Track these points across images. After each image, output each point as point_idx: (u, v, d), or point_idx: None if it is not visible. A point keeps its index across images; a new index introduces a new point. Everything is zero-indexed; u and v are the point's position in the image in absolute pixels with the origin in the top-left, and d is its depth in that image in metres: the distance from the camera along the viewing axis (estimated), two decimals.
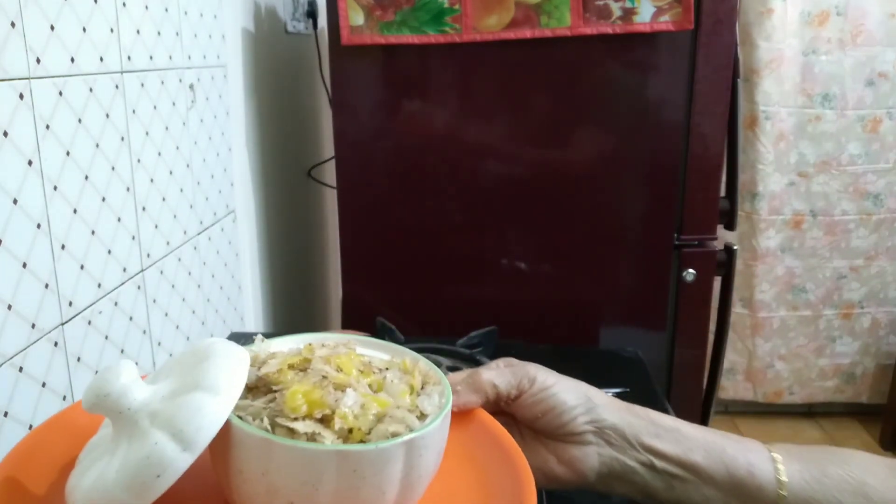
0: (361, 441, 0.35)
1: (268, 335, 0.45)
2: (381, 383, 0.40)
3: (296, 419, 0.35)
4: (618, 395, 0.53)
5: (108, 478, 0.33)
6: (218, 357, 0.37)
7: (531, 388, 0.49)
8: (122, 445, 0.34)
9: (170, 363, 0.40)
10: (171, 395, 0.35)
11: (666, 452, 0.48)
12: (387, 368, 0.42)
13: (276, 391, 0.38)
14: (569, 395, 0.49)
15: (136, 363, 0.38)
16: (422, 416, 0.38)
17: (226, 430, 0.35)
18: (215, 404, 0.34)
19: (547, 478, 0.49)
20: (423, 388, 0.41)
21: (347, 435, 0.36)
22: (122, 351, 0.69)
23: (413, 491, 0.37)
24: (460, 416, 0.47)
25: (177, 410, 0.34)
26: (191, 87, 0.85)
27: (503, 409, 0.51)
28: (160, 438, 0.33)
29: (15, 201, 0.53)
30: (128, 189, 0.70)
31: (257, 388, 0.39)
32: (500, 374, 0.49)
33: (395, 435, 0.35)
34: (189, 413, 0.34)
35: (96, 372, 0.65)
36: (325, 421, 0.36)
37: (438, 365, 0.75)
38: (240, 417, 0.36)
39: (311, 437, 0.35)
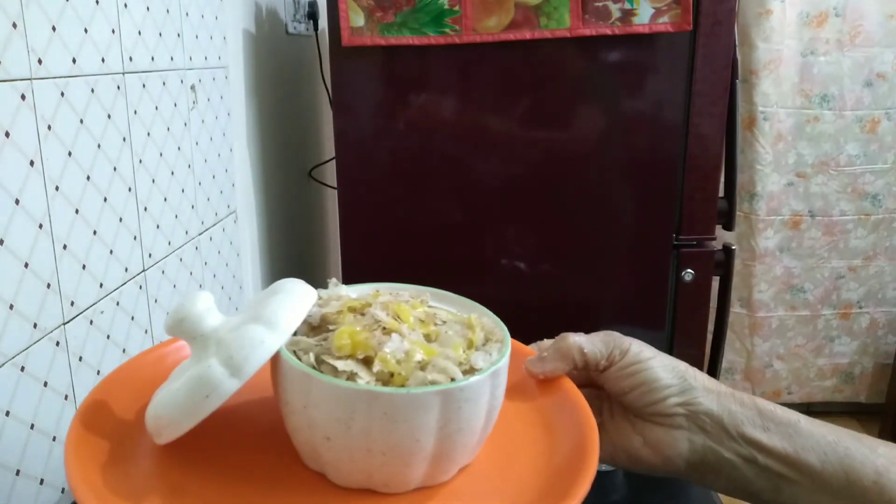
0: (401, 386, 0.35)
1: (335, 279, 0.46)
2: (438, 334, 0.40)
3: (339, 358, 0.36)
4: None
5: (171, 393, 0.36)
6: (284, 294, 0.39)
7: (622, 359, 0.45)
8: (192, 367, 0.37)
9: (254, 298, 0.42)
10: (237, 325, 0.37)
11: (772, 448, 0.42)
12: (450, 321, 0.42)
13: (331, 331, 0.38)
14: (663, 372, 0.45)
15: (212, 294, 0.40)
16: (471, 371, 0.37)
17: (278, 363, 0.37)
18: (268, 337, 0.36)
19: (631, 459, 0.46)
20: (484, 344, 0.41)
21: (388, 378, 0.36)
22: (123, 351, 0.70)
23: (454, 444, 0.37)
24: (546, 382, 0.46)
25: (234, 339, 0.36)
26: (192, 87, 0.85)
27: (593, 380, 0.48)
28: (213, 363, 0.35)
29: (17, 201, 0.53)
30: (129, 189, 0.70)
31: (319, 327, 0.40)
32: (591, 340, 0.46)
33: (433, 383, 0.35)
34: (242, 342, 0.36)
35: (98, 372, 0.65)
36: (367, 362, 0.36)
37: None
38: (294, 352, 0.37)
39: (350, 377, 0.35)
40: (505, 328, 0.42)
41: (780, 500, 0.43)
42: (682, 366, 0.46)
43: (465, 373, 0.37)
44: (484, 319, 0.43)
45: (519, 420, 0.44)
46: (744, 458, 0.43)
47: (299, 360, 0.37)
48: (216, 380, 0.35)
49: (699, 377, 0.46)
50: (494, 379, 0.37)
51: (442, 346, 0.38)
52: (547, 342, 0.49)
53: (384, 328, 0.38)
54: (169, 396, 0.36)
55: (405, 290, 0.45)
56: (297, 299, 0.39)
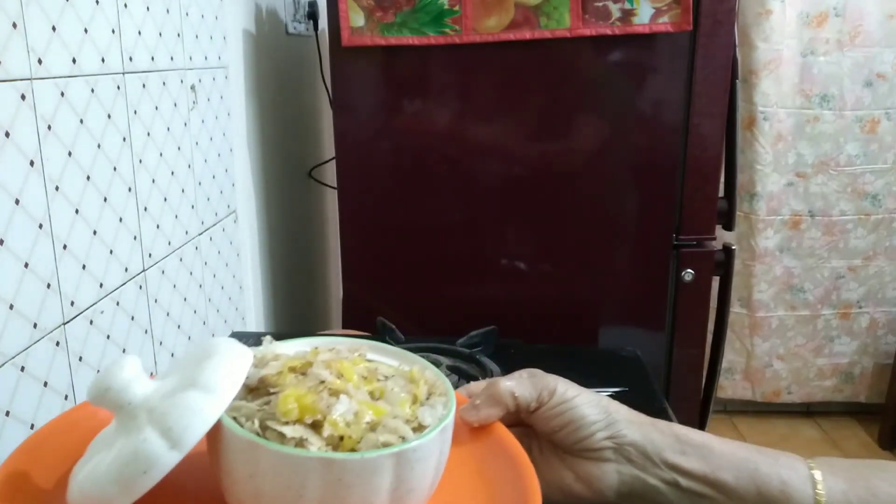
0: (352, 449, 0.35)
1: (270, 335, 0.45)
2: (383, 391, 0.39)
3: (286, 423, 0.35)
4: (616, 395, 0.52)
5: (101, 470, 0.34)
6: (219, 356, 0.37)
7: (550, 400, 0.47)
8: (120, 439, 0.35)
9: (178, 360, 0.40)
10: (170, 392, 0.35)
11: (691, 470, 0.45)
12: (393, 376, 0.41)
13: (272, 393, 0.37)
14: (588, 409, 0.46)
15: (140, 358, 0.38)
16: (420, 428, 0.37)
17: (218, 431, 0.35)
18: (207, 404, 0.34)
19: (564, 494, 0.47)
20: (428, 398, 0.40)
21: (338, 442, 0.35)
22: (123, 350, 0.70)
23: (405, 503, 0.36)
24: (479, 428, 0.46)
25: (170, 408, 0.34)
26: (192, 87, 0.85)
27: (522, 420, 0.49)
28: (150, 435, 0.33)
29: (17, 201, 0.53)
30: (129, 189, 0.70)
31: (258, 389, 0.38)
32: (521, 383, 0.47)
33: (385, 445, 0.35)
34: (180, 412, 0.34)
35: (98, 371, 0.65)
36: (316, 427, 0.35)
37: (438, 365, 0.75)
38: (234, 418, 0.36)
39: (299, 443, 0.34)
40: (447, 381, 0.42)
41: None
42: (605, 400, 0.48)
43: (414, 430, 0.37)
44: (426, 373, 0.42)
45: (457, 468, 0.43)
46: (667, 482, 0.45)
47: (242, 426, 0.35)
48: (155, 453, 0.33)
49: (621, 410, 0.48)
50: (443, 435, 0.37)
51: (389, 404, 0.38)
52: (475, 386, 0.49)
53: (330, 389, 0.37)
54: (99, 473, 0.34)
55: (342, 345, 0.44)
56: (233, 361, 0.37)
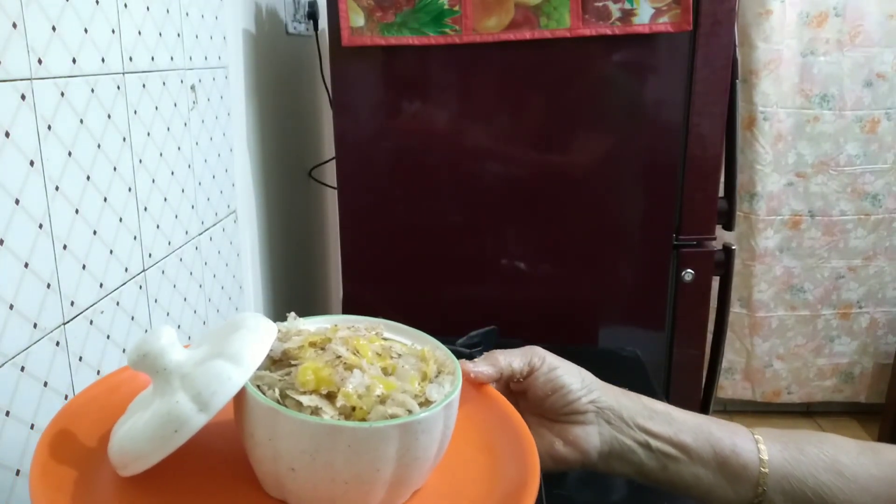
0: (362, 419, 0.37)
1: (294, 312, 0.48)
2: (395, 368, 0.42)
3: (304, 393, 0.38)
4: None
5: (137, 428, 0.37)
6: (247, 330, 0.40)
7: (541, 366, 0.53)
8: (156, 401, 0.38)
9: (210, 331, 0.43)
10: (201, 360, 0.38)
11: (659, 433, 0.52)
12: (406, 354, 0.44)
13: (293, 365, 0.40)
14: (572, 377, 0.53)
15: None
16: (426, 403, 0.40)
17: (243, 397, 0.39)
18: (234, 373, 0.37)
19: (554, 459, 0.53)
20: (437, 376, 0.43)
21: (350, 412, 0.38)
22: (123, 351, 0.70)
23: (410, 471, 0.39)
24: (482, 405, 0.50)
25: (200, 375, 0.37)
26: (192, 87, 0.85)
27: (514, 389, 0.55)
28: (181, 398, 0.37)
29: (17, 201, 0.53)
30: (129, 189, 0.70)
31: (281, 360, 0.42)
32: (513, 353, 0.54)
33: (392, 416, 0.37)
34: (209, 378, 0.37)
35: (98, 372, 0.65)
36: (331, 397, 0.38)
37: None
38: (258, 386, 0.39)
39: (314, 411, 0.37)
40: (456, 360, 0.45)
41: (666, 476, 0.52)
42: (583, 370, 0.54)
43: (421, 405, 0.39)
44: (437, 352, 0.45)
45: (463, 441, 0.46)
46: (639, 443, 0.52)
47: (264, 394, 0.38)
48: (185, 415, 0.36)
49: (597, 380, 0.54)
50: (448, 410, 0.40)
51: (399, 380, 0.41)
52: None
53: (345, 363, 0.40)
54: (136, 431, 0.37)
55: (360, 323, 0.48)
56: (259, 335, 0.40)
